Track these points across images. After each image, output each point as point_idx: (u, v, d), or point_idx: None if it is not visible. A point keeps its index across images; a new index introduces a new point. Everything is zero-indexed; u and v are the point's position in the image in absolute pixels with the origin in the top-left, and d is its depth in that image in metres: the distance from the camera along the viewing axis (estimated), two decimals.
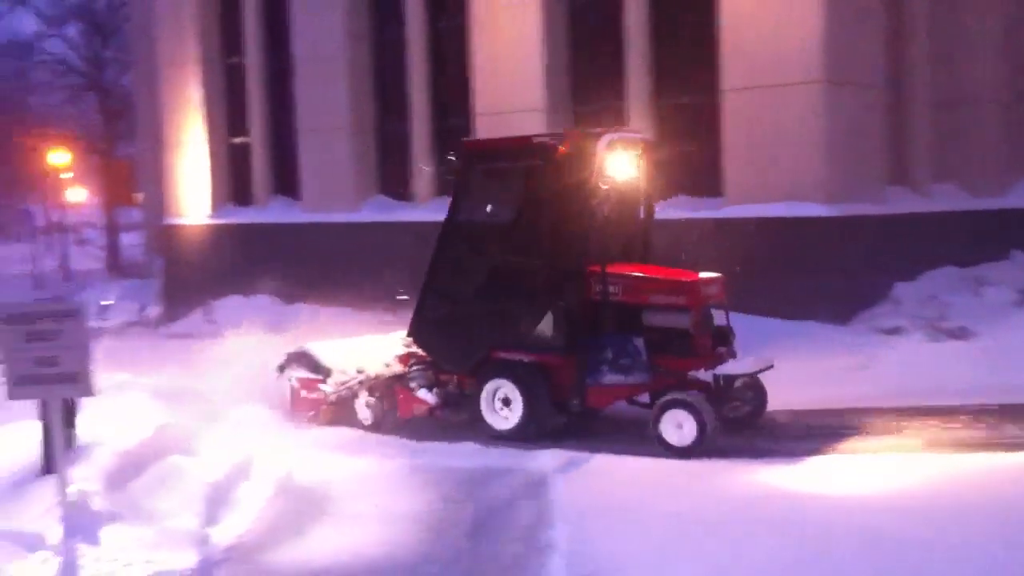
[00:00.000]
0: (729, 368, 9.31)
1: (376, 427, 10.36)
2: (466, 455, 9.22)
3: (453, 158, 10.56)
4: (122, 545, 6.51)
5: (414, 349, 10.66)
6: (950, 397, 10.36)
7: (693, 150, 14.66)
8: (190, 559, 6.46)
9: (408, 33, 17.14)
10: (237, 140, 20.31)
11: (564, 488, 7.88)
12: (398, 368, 10.69)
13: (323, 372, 10.81)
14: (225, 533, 7.18)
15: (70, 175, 48.89)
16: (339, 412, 10.59)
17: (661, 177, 11.03)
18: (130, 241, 45.38)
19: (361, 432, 10.25)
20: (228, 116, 20.42)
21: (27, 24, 42.79)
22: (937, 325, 12.68)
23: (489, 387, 9.86)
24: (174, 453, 8.27)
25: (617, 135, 10.14)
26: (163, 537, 6.68)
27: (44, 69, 42.79)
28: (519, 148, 10.14)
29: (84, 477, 7.11)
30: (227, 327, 16.35)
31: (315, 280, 17.86)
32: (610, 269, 9.53)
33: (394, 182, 17.93)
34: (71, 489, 6.66)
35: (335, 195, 18.09)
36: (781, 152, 13.42)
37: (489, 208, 10.31)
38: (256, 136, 19.56)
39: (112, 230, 43.41)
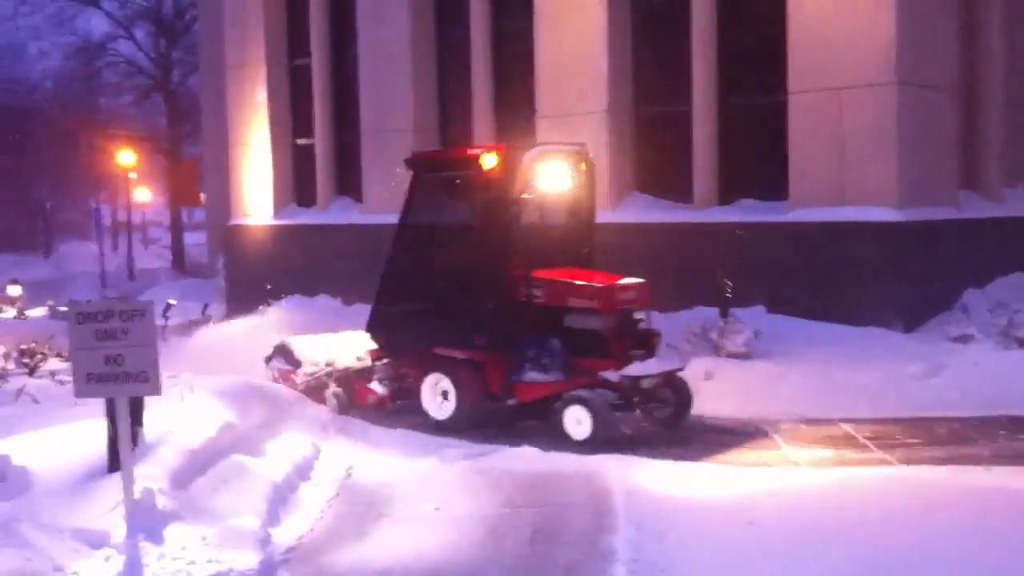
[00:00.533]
0: (633, 369, 9.58)
1: (344, 414, 11.01)
2: (527, 459, 9.16)
3: (402, 168, 11.40)
4: (185, 544, 6.53)
5: None
6: (1020, 407, 10.09)
7: (758, 152, 14.48)
8: (252, 559, 6.46)
9: (472, 34, 17.12)
10: (301, 141, 20.46)
11: (626, 494, 7.78)
12: (368, 362, 11.42)
13: (295, 364, 11.65)
14: (287, 533, 7.19)
15: (136, 175, 49.69)
16: (316, 398, 11.24)
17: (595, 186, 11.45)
18: (194, 240, 46.09)
19: (423, 434, 10.23)
20: (292, 118, 20.58)
21: (97, 26, 43.64)
22: (1008, 333, 12.36)
23: (430, 380, 10.55)
24: (237, 452, 8.33)
25: (545, 148, 10.90)
26: (226, 536, 6.69)
27: (113, 71, 43.64)
28: (456, 159, 11.22)
29: (149, 475, 7.15)
30: (290, 326, 16.53)
31: (375, 282, 17.90)
32: (535, 274, 10.13)
33: None
34: (136, 487, 6.70)
35: (396, 196, 18.05)
36: (850, 155, 13.17)
37: (432, 214, 11.16)
38: (320, 137, 19.68)
39: (177, 229, 44.10)
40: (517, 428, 10.34)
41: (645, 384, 9.70)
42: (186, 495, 7.28)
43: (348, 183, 19.45)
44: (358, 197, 19.10)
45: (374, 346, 11.36)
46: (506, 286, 10.19)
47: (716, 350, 11.79)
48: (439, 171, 11.32)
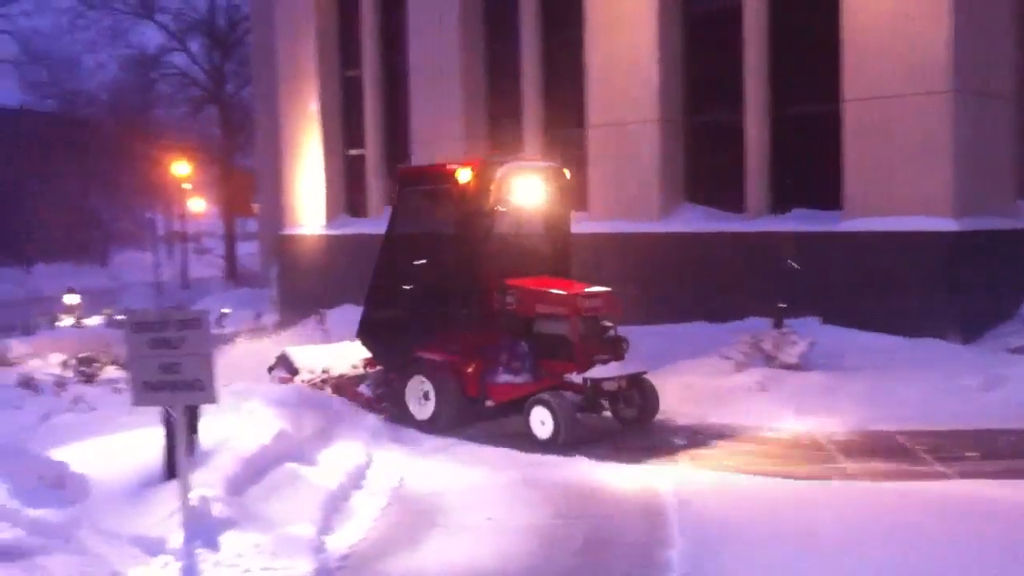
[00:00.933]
0: (595, 372, 10.07)
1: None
2: (579, 470, 9.12)
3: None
4: (240, 551, 6.59)
5: None
6: None
7: (811, 161, 14.35)
8: (306, 566, 6.51)
9: (522, 44, 17.16)
10: (352, 152, 20.63)
11: (680, 507, 7.72)
12: (362, 370, 12.06)
13: (293, 372, 12.14)
14: (340, 541, 7.22)
15: (190, 186, 50.36)
16: None
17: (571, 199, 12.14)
18: (247, 250, 46.59)
19: (475, 444, 10.23)
20: (344, 128, 20.76)
21: (152, 39, 44.34)
22: None
23: (412, 382, 11.08)
24: (291, 460, 8.39)
25: (518, 164, 11.49)
26: (280, 544, 6.74)
27: (168, 83, 44.32)
28: (434, 174, 11.59)
29: (205, 483, 7.22)
30: (339, 335, 16.62)
31: None
32: (508, 281, 10.71)
33: None
34: (192, 494, 6.77)
35: None
36: (905, 164, 13.00)
37: (415, 225, 11.75)
38: (371, 148, 19.83)
39: (230, 239, 44.60)
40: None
41: (607, 386, 10.17)
42: (241, 502, 7.34)
43: None
44: None
45: (368, 355, 12.04)
46: (480, 293, 10.78)
47: (770, 361, 11.67)
48: (421, 185, 11.87)
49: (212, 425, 8.31)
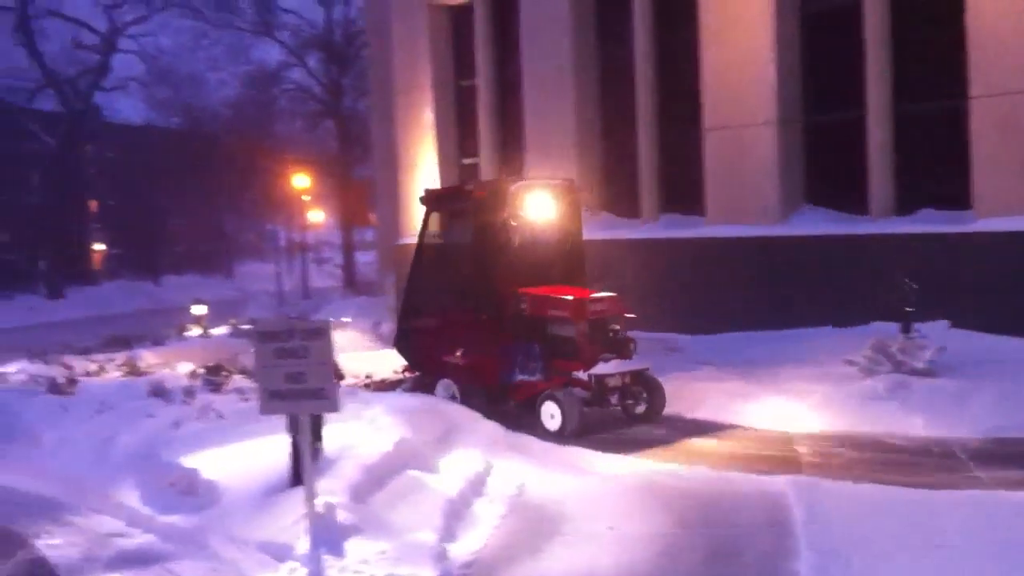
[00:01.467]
0: (599, 369, 10.95)
1: None
2: (700, 478, 8.99)
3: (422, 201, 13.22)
4: (365, 557, 6.68)
5: None
6: None
7: (937, 160, 13.90)
8: (430, 574, 6.55)
9: (635, 48, 17.03)
10: (467, 161, 20.79)
11: (807, 516, 7.52)
12: (401, 375, 13.43)
13: (339, 376, 12.53)
14: (462, 549, 7.25)
15: (309, 198, 51.48)
16: None
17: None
18: (365, 259, 47.37)
19: (593, 451, 10.17)
20: (458, 138, 20.95)
21: (272, 56, 45.49)
22: None
23: (441, 385, 12.18)
24: (412, 468, 8.46)
25: (528, 182, 12.73)
26: (403, 551, 6.80)
27: (287, 98, 45.38)
28: (453, 194, 13.23)
29: (330, 490, 7.34)
30: None
31: None
32: (522, 289, 11.63)
33: (620, 198, 17.83)
34: (318, 501, 6.88)
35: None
36: None
37: (439, 242, 12.95)
38: (485, 157, 19.95)
39: (348, 249, 45.40)
40: (687, 448, 10.18)
41: (611, 382, 11.06)
42: (365, 509, 7.43)
43: None
44: None
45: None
46: (495, 300, 11.69)
47: (897, 367, 11.30)
48: (443, 205, 13.07)
49: (335, 432, 8.45)
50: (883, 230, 13.94)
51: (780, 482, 8.52)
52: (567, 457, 10.09)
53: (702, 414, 11.48)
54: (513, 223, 12.01)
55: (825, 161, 15.26)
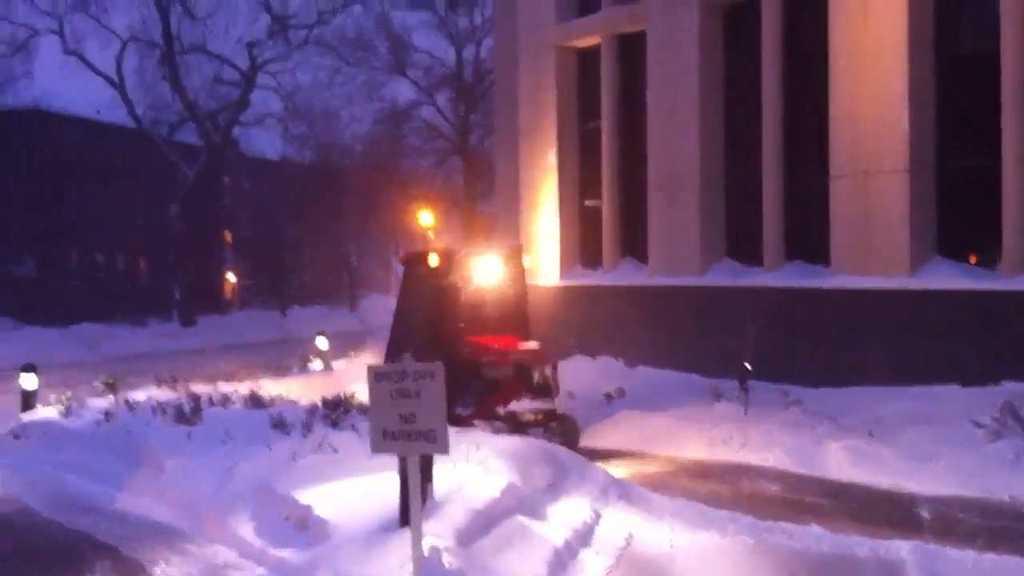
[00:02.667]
0: (512, 406, 12.97)
1: None
2: (812, 537, 8.74)
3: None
4: None
5: None
6: None
7: None
8: None
9: (763, 91, 16.80)
10: (588, 203, 20.82)
11: None
12: None
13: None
14: None
15: (433, 233, 52.18)
16: None
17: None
18: None
19: (704, 506, 9.99)
20: (580, 179, 21.01)
21: (403, 93, 46.47)
22: None
23: None
24: (519, 513, 8.45)
25: (475, 249, 15.53)
26: None
27: (416, 134, 46.24)
28: (417, 257, 15.53)
29: (436, 532, 7.37)
30: (571, 385, 16.72)
31: (659, 344, 17.88)
32: (469, 338, 13.72)
33: (743, 244, 17.58)
34: (424, 543, 6.92)
35: (682, 258, 18.05)
36: None
37: (411, 296, 15.21)
38: (607, 199, 19.94)
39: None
40: (801, 505, 9.91)
41: (523, 417, 13.01)
42: (470, 554, 7.43)
43: (633, 244, 19.56)
44: (643, 258, 19.15)
45: None
46: (445, 346, 13.32)
47: None
48: (411, 265, 15.61)
49: (445, 473, 8.51)
50: (1015, 287, 13.40)
51: (900, 548, 8.21)
52: (679, 509, 9.94)
53: (819, 472, 11.20)
54: (459, 284, 14.32)
55: (958, 210, 14.76)
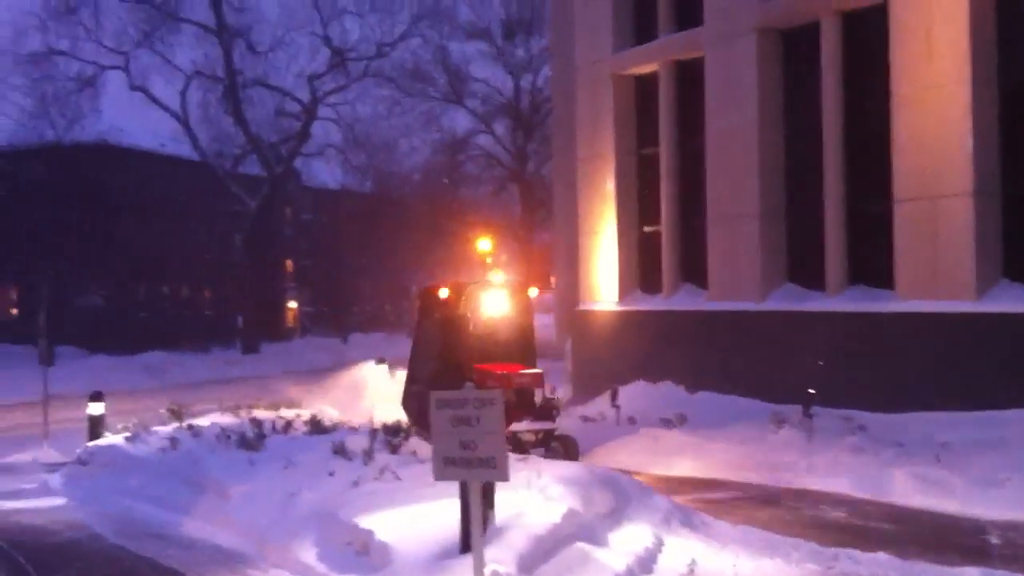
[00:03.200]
0: (513, 427, 13.68)
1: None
2: (879, 565, 8.60)
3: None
4: None
5: None
6: None
7: None
8: None
9: (823, 117, 16.68)
10: (647, 229, 20.77)
11: None
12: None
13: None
14: None
15: (491, 260, 52.42)
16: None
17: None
18: (544, 322, 47.67)
19: (770, 533, 9.87)
20: (639, 206, 20.97)
21: (461, 123, 46.92)
22: None
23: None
24: (581, 540, 8.41)
25: (481, 283, 16.76)
26: None
27: (474, 163, 46.63)
28: (429, 292, 17.15)
29: (498, 559, 7.37)
30: (631, 411, 16.66)
31: (720, 369, 17.75)
32: (476, 365, 14.75)
33: (805, 269, 17.41)
34: (486, 570, 6.93)
35: (742, 283, 17.93)
36: None
37: (426, 327, 16.90)
38: (666, 225, 19.89)
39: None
40: (868, 532, 9.76)
41: (524, 437, 14.00)
42: None
43: (693, 270, 19.46)
44: (702, 284, 19.05)
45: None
46: (453, 373, 14.34)
47: None
48: (426, 300, 17.17)
49: (506, 500, 8.51)
50: None
51: (969, 575, 8.05)
52: (742, 536, 9.84)
53: (885, 498, 11.03)
54: (468, 316, 15.74)
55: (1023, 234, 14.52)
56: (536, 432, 14.24)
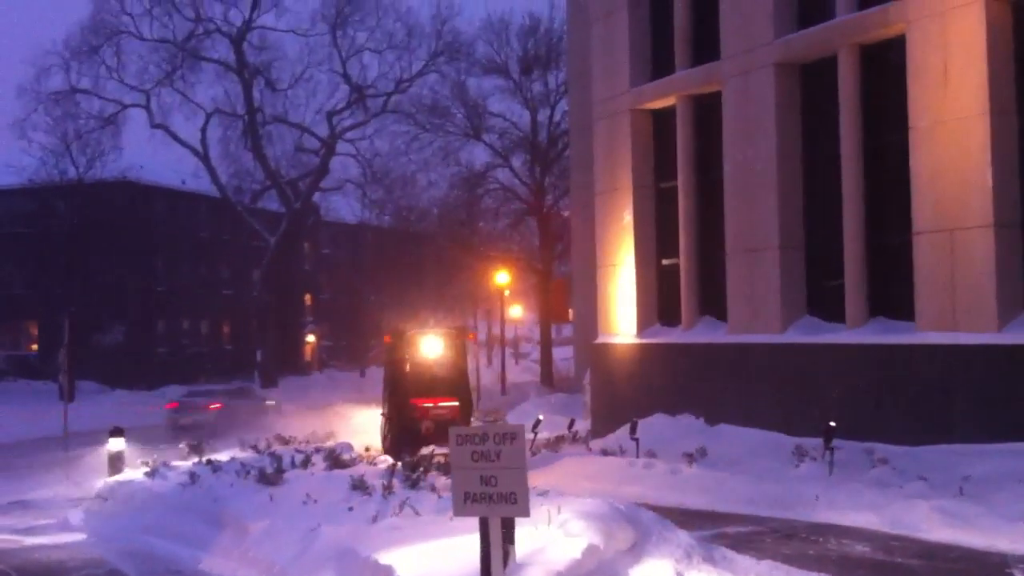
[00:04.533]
0: (424, 451, 16.94)
1: None
2: None
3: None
4: None
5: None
6: None
7: None
8: None
9: (842, 149, 16.65)
10: (666, 262, 20.75)
11: None
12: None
13: None
14: None
15: (509, 293, 52.49)
16: None
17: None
18: (562, 355, 47.71)
19: (791, 567, 9.78)
20: (657, 239, 20.96)
21: (479, 157, 47.15)
22: None
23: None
24: None
25: (421, 331, 21.45)
26: None
27: (492, 197, 46.78)
28: (385, 337, 22.38)
29: None
30: (651, 446, 16.56)
31: (740, 402, 17.66)
32: (411, 400, 19.58)
33: (825, 301, 17.34)
34: None
35: (761, 316, 17.87)
36: None
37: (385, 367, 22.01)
38: (684, 257, 19.86)
39: (546, 345, 45.89)
40: (890, 566, 9.64)
41: (443, 460, 14.47)
42: None
43: (712, 302, 19.41)
44: (721, 316, 18.99)
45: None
46: (397, 405, 19.51)
47: None
48: (386, 343, 22.34)
49: (526, 535, 8.45)
50: None
51: None
52: (765, 571, 9.76)
53: (909, 532, 10.91)
54: (406, 357, 20.11)
55: None
56: (444, 455, 15.02)
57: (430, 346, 19.89)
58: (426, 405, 18.57)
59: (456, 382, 19.74)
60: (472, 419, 20.66)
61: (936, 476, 12.63)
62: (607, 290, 21.64)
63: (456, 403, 18.72)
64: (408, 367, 19.90)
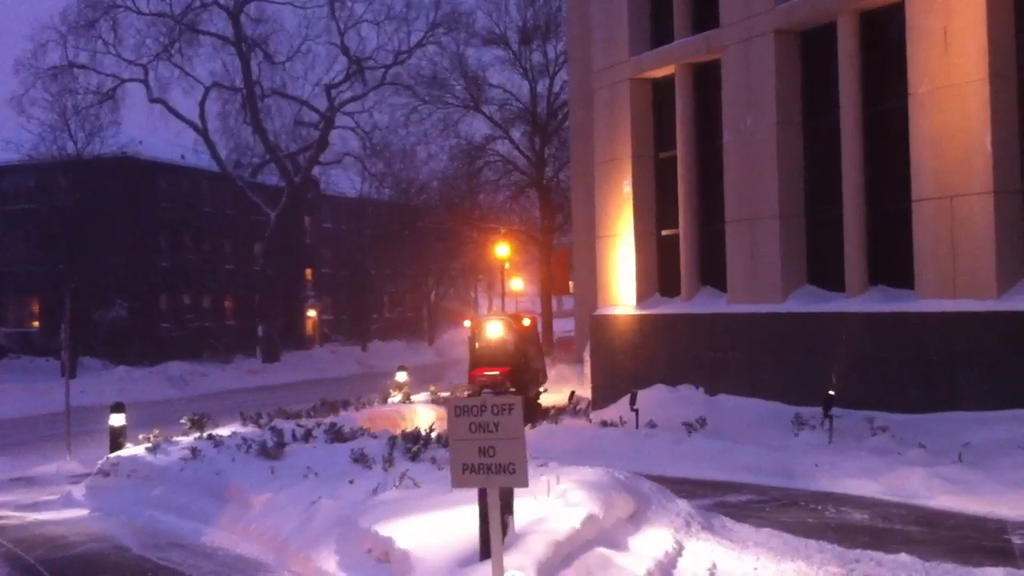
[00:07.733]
0: None
1: None
2: (902, 567, 8.53)
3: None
4: None
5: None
6: None
7: None
8: None
9: (841, 117, 16.60)
10: (665, 232, 20.72)
11: None
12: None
13: None
14: None
15: (510, 266, 52.41)
16: None
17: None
18: (564, 326, 47.75)
19: (792, 536, 9.81)
20: (657, 209, 20.92)
21: (479, 129, 46.98)
22: None
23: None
24: (601, 545, 8.37)
25: (490, 316, 27.20)
26: None
27: (492, 169, 46.65)
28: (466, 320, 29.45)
29: (517, 565, 7.34)
30: (651, 415, 16.60)
31: (740, 372, 17.69)
32: (472, 372, 23.54)
33: (825, 270, 17.32)
34: (506, 575, 6.90)
35: (761, 285, 17.85)
36: None
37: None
38: (684, 228, 19.82)
39: (547, 317, 45.88)
40: (891, 534, 9.68)
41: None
42: None
43: (712, 273, 19.40)
44: (721, 286, 18.98)
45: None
46: (468, 373, 23.72)
47: None
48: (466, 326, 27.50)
49: (526, 506, 8.48)
50: None
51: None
52: (764, 539, 9.78)
53: (908, 499, 10.95)
54: (475, 338, 24.54)
55: None
56: None
57: (490, 329, 24.40)
58: (481, 374, 22.50)
59: (508, 356, 23.59)
60: (540, 389, 24.80)
61: (936, 443, 12.66)
62: (606, 261, 21.61)
63: (497, 372, 22.23)
64: (477, 345, 24.28)
